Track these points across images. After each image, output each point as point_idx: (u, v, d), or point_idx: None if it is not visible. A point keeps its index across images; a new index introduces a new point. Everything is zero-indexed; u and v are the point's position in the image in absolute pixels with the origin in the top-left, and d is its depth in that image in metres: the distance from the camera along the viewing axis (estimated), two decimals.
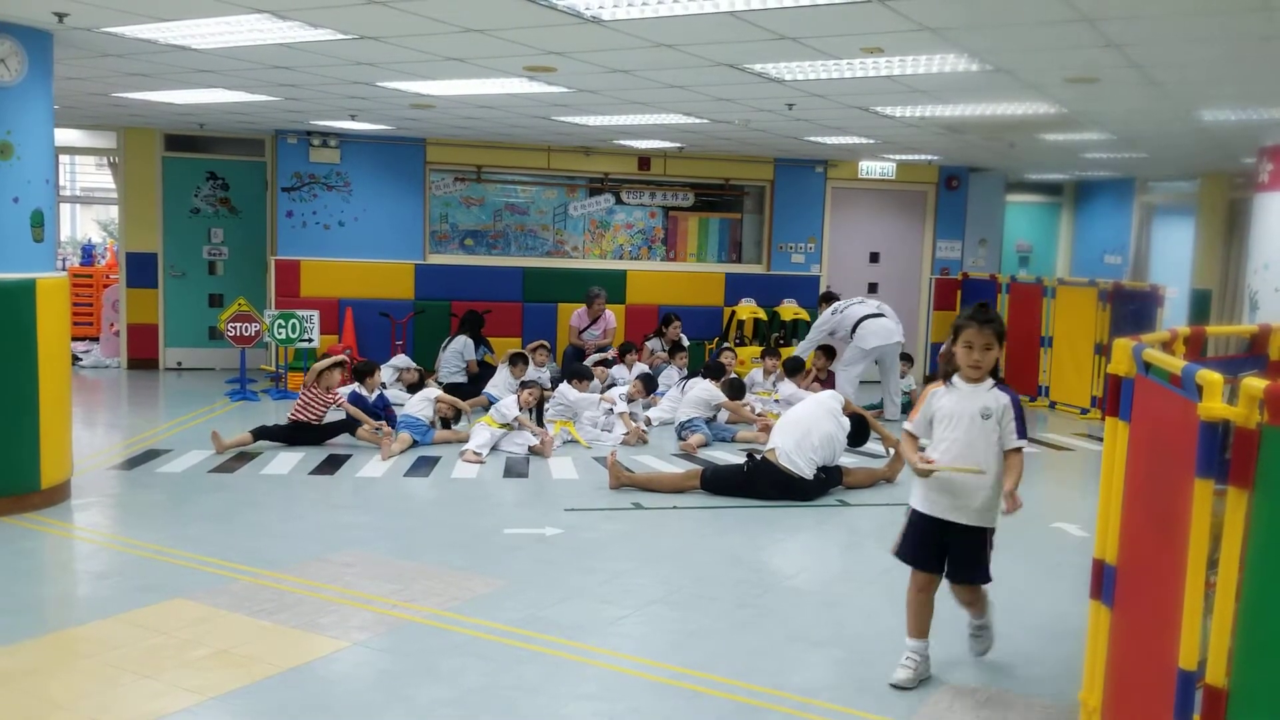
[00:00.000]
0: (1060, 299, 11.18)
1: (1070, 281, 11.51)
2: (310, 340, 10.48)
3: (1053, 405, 11.13)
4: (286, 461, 7.59)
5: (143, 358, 12.02)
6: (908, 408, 10.48)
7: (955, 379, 3.95)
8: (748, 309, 12.11)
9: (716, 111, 8.50)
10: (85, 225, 21.73)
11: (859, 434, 7.59)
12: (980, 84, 6.66)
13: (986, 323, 3.86)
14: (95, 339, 13.41)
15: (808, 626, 4.71)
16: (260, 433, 7.95)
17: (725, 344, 11.43)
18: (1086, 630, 3.52)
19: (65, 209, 21.12)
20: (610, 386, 9.97)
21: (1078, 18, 4.76)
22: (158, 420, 9.17)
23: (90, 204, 21.59)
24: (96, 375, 11.60)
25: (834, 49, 5.72)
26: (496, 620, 4.57)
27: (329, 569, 5.20)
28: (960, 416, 3.89)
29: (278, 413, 9.20)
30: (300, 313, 10.50)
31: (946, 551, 3.97)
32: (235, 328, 10.27)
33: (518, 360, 9.69)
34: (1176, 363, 2.64)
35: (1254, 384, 2.17)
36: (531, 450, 8.07)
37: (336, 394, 8.31)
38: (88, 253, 16.27)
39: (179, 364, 12.09)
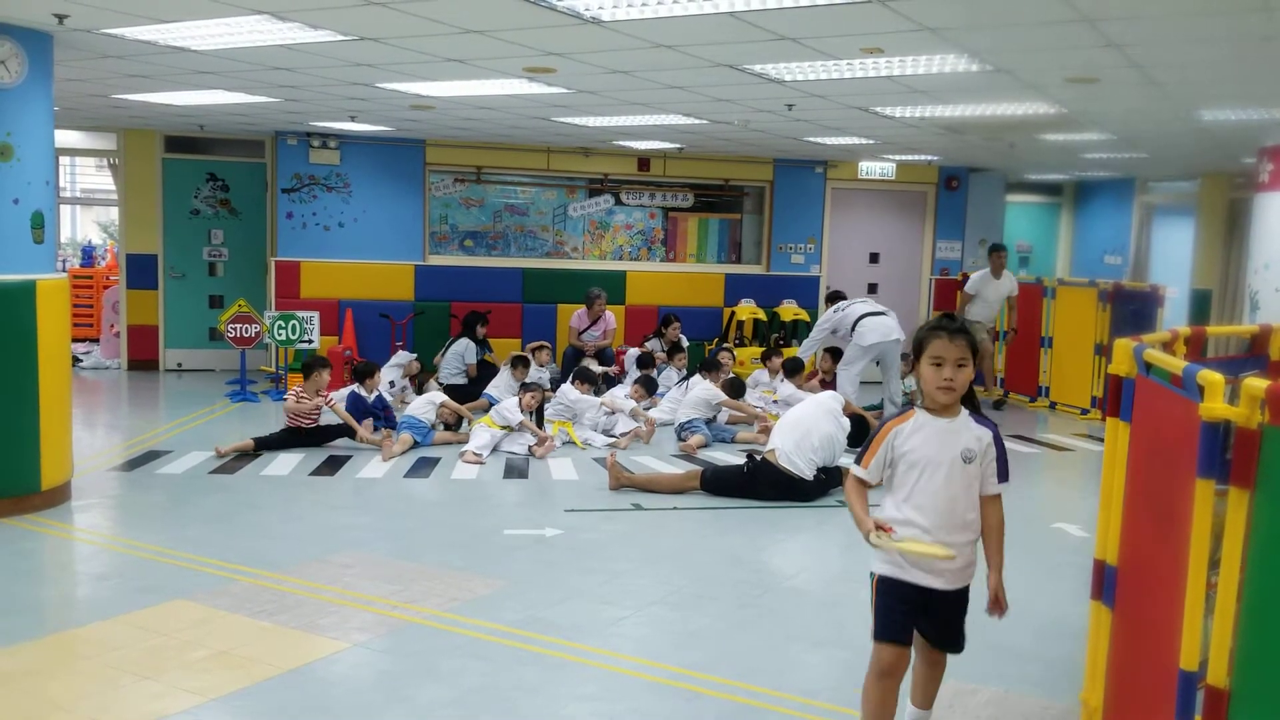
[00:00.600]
0: (1060, 299, 11.18)
1: (1070, 282, 11.51)
2: (310, 341, 10.48)
3: (1053, 405, 11.12)
4: (287, 463, 7.58)
5: (143, 359, 12.02)
6: (908, 407, 10.48)
7: (920, 410, 3.15)
8: (747, 309, 12.12)
9: (716, 112, 8.50)
10: (85, 227, 21.73)
11: (859, 434, 7.58)
12: (980, 84, 6.66)
13: (958, 333, 3.06)
14: (95, 340, 13.41)
15: (808, 627, 4.71)
16: (261, 443, 7.91)
17: (724, 344, 11.45)
18: (1087, 631, 3.52)
19: (65, 210, 21.13)
20: (610, 384, 9.99)
21: (1078, 18, 4.76)
22: (158, 421, 9.16)
23: (90, 205, 21.60)
24: (97, 376, 11.60)
25: (834, 49, 5.72)
26: (496, 621, 4.56)
27: (329, 570, 5.20)
28: (937, 463, 3.07)
29: (278, 413, 9.18)
30: (300, 314, 10.50)
31: (918, 620, 3.25)
32: (235, 329, 10.27)
33: (519, 363, 9.69)
34: (1177, 363, 2.64)
35: (1255, 384, 2.17)
36: (530, 451, 8.07)
37: (327, 395, 8.28)
38: (88, 254, 16.28)
39: (179, 365, 12.09)
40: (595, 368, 10.24)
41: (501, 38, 5.73)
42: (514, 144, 11.77)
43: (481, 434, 8.01)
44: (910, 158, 12.34)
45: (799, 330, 11.89)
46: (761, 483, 6.86)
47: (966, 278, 12.94)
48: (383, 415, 8.54)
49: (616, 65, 6.47)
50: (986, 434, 3.13)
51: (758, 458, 7.02)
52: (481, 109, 8.77)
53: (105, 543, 5.67)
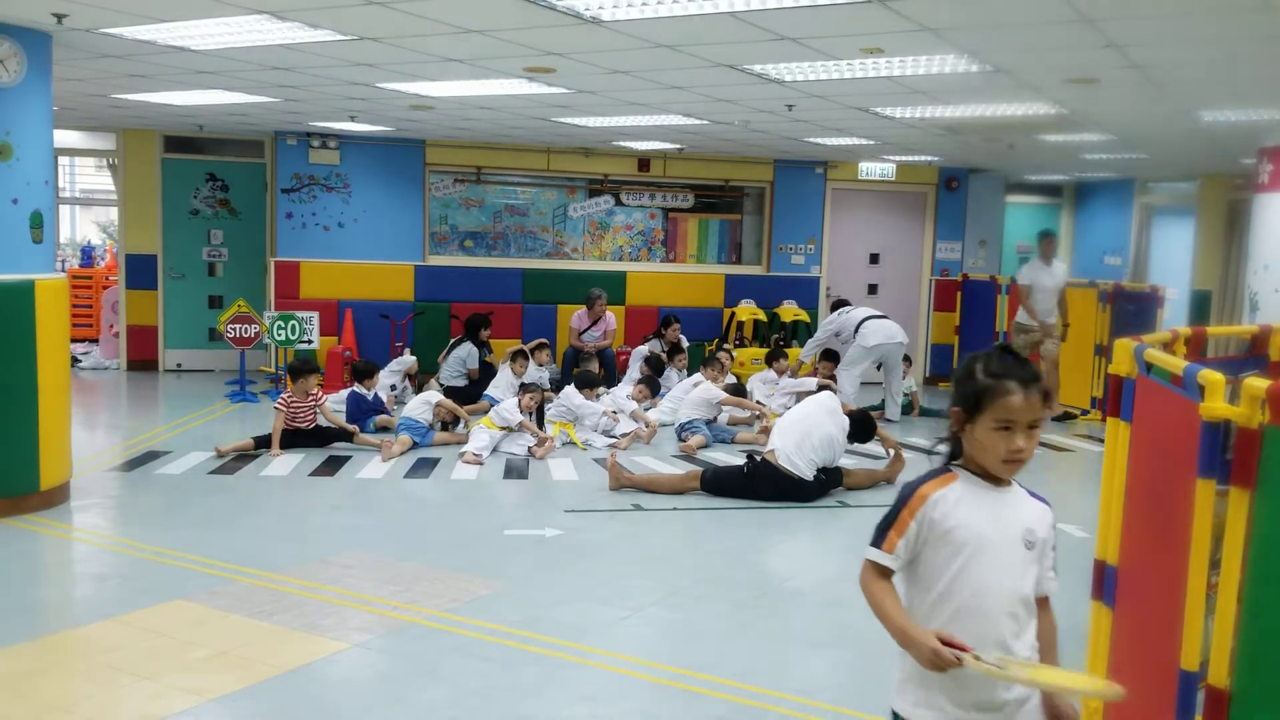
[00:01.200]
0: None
1: (1071, 282, 11.49)
2: (310, 342, 10.47)
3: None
4: (287, 463, 7.58)
5: (142, 359, 12.01)
6: (908, 409, 10.51)
7: (961, 471, 2.27)
8: (747, 310, 12.12)
9: (716, 113, 8.50)
10: (85, 227, 21.73)
11: (863, 430, 7.56)
12: (980, 85, 6.66)
13: (1032, 383, 2.20)
14: (95, 340, 13.41)
15: (808, 628, 4.70)
16: (261, 441, 7.90)
17: (724, 345, 11.45)
18: (1087, 631, 3.52)
19: (65, 210, 21.12)
20: (610, 384, 9.99)
21: (1078, 18, 4.76)
22: (157, 422, 9.16)
23: (90, 205, 21.60)
24: (96, 377, 11.60)
25: (834, 49, 5.72)
26: (496, 621, 4.56)
27: (329, 570, 5.19)
28: (994, 544, 2.22)
29: None
30: (300, 314, 10.49)
31: None
32: (235, 329, 10.26)
33: (518, 357, 9.68)
34: (1178, 363, 2.63)
35: (1256, 384, 2.17)
36: (530, 452, 8.06)
37: (318, 395, 8.25)
38: (87, 254, 16.27)
39: (178, 365, 12.08)
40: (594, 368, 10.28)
41: (501, 37, 5.73)
42: (514, 144, 11.76)
43: (481, 435, 8.00)
44: (910, 158, 12.33)
45: (799, 331, 11.89)
46: (762, 483, 6.86)
47: (966, 278, 12.98)
48: (382, 414, 8.54)
49: (616, 65, 6.47)
50: (1048, 513, 2.36)
51: (758, 458, 7.02)
52: (481, 109, 8.76)
53: (104, 543, 5.67)
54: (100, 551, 5.54)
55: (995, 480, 2.27)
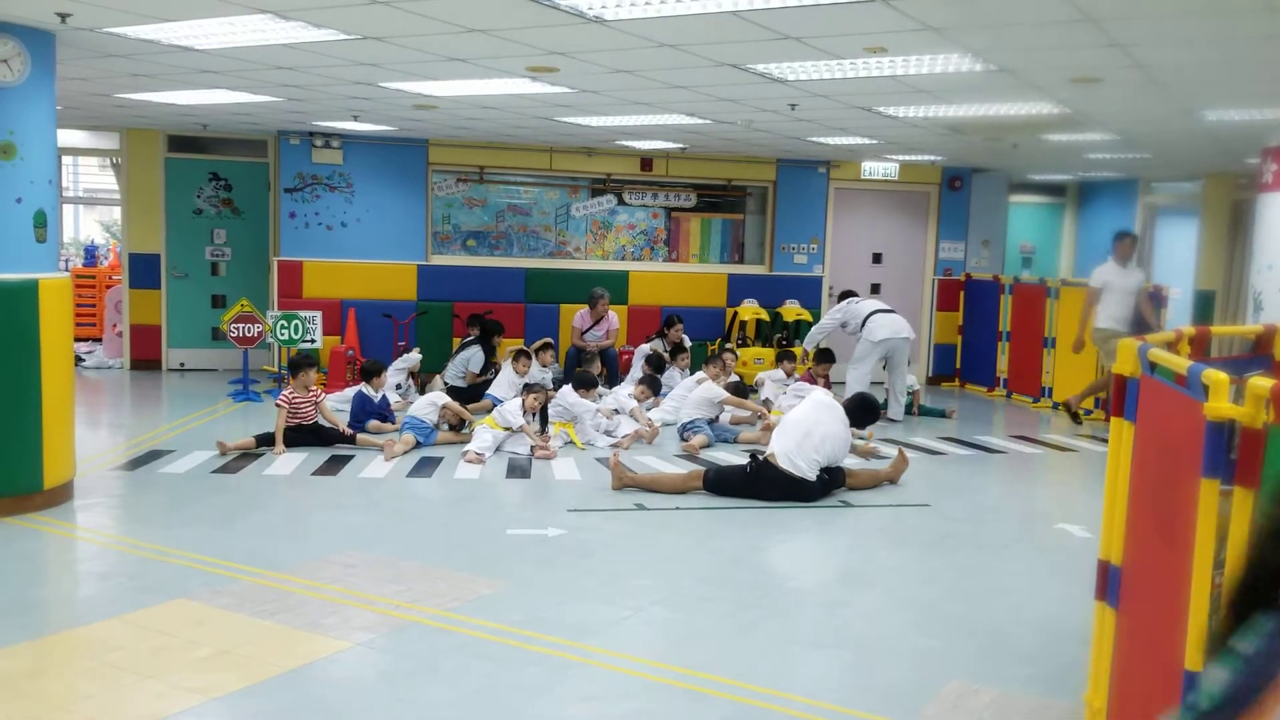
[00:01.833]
0: (1063, 300, 11.16)
1: (1073, 282, 11.49)
2: (313, 341, 10.47)
3: (1056, 406, 11.10)
4: (289, 462, 7.58)
5: (145, 358, 12.02)
6: (909, 408, 10.49)
7: None
8: (750, 310, 12.11)
9: (719, 112, 8.49)
10: (88, 226, 21.74)
11: (865, 413, 7.55)
12: (983, 84, 6.65)
13: None
14: (98, 340, 13.41)
15: (810, 628, 4.70)
16: (264, 439, 7.91)
17: (727, 344, 11.44)
18: (1091, 631, 3.51)
19: (68, 210, 21.14)
20: (610, 384, 9.98)
21: (1081, 18, 4.75)
22: (160, 421, 9.17)
23: (93, 205, 21.61)
24: (99, 376, 11.61)
25: (837, 49, 5.72)
26: (499, 621, 4.56)
27: (331, 569, 5.19)
28: None
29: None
30: (303, 313, 10.49)
31: None
32: (238, 328, 10.26)
33: (521, 355, 9.68)
34: (1182, 362, 2.63)
35: (1260, 383, 2.16)
36: (532, 451, 8.06)
37: (317, 392, 8.25)
38: (90, 254, 16.28)
39: (182, 365, 12.09)
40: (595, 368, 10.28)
41: (504, 37, 5.72)
42: (517, 144, 11.76)
43: (484, 435, 8.00)
44: (913, 158, 12.32)
45: (801, 331, 11.88)
46: (764, 483, 6.85)
47: (970, 278, 12.96)
48: (388, 415, 8.54)
49: (619, 65, 6.46)
50: None
51: (760, 458, 7.01)
52: (484, 108, 8.76)
53: (107, 542, 5.67)
54: (103, 550, 5.55)
55: None
